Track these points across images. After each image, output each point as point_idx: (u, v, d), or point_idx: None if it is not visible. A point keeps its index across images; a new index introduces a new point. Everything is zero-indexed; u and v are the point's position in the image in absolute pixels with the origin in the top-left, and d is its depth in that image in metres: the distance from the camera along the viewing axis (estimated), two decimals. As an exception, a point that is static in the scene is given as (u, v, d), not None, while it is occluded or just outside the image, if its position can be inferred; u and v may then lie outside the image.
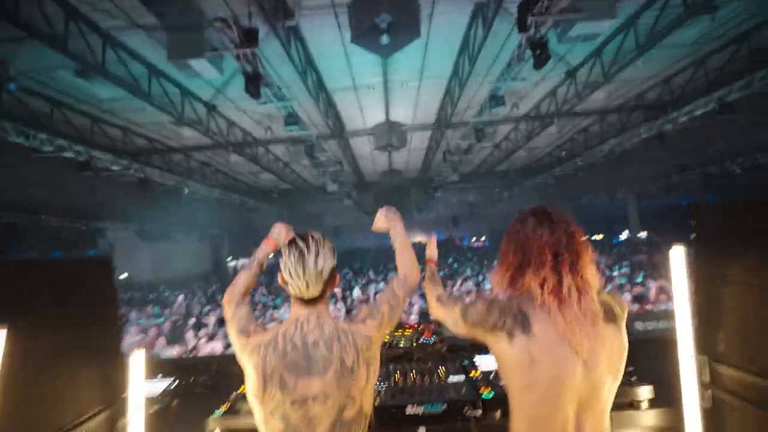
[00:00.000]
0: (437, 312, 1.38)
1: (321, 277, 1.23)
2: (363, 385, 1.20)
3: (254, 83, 5.54)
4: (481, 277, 11.75)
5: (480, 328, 1.18)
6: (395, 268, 1.50)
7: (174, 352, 5.51)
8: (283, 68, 7.18)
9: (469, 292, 8.47)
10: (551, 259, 1.10)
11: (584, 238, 1.16)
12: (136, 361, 1.68)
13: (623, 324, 1.15)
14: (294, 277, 1.22)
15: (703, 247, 1.75)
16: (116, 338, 1.79)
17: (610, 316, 1.12)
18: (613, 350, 1.10)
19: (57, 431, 1.42)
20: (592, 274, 1.13)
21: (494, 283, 1.24)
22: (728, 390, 1.60)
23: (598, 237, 24.86)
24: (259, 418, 1.20)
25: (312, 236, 1.29)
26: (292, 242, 1.27)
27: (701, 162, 12.18)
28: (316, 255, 1.23)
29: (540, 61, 5.21)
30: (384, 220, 1.62)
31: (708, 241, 1.74)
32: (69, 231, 12.70)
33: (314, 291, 1.23)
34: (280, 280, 1.28)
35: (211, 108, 9.09)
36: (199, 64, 6.42)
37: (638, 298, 6.06)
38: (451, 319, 1.29)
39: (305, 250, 1.23)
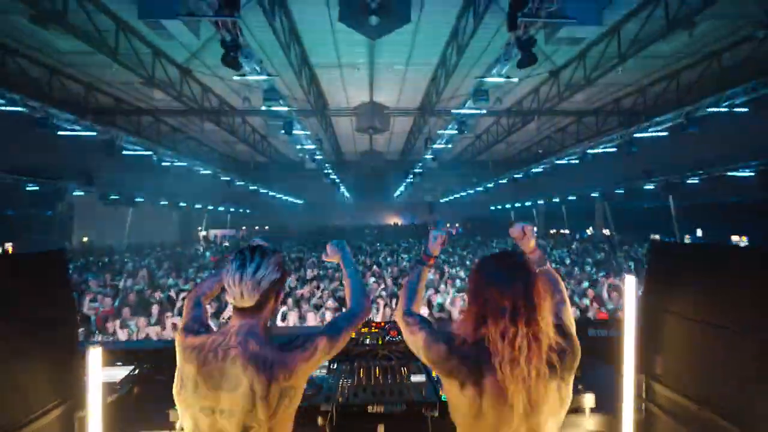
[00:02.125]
0: (401, 326, 1.39)
1: (258, 288, 1.21)
2: (272, 413, 1.17)
3: (233, 54, 5.24)
4: (449, 263, 12.01)
5: (436, 367, 1.22)
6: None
7: (141, 322, 5.39)
8: (265, 39, 6.86)
9: (433, 279, 8.67)
10: (510, 310, 1.12)
11: (543, 287, 1.18)
12: (94, 355, 1.63)
13: (571, 376, 1.19)
14: (231, 285, 1.21)
15: (654, 279, 1.90)
16: (72, 332, 1.72)
17: (559, 363, 1.15)
18: (553, 401, 1.15)
19: (14, 428, 1.39)
20: (547, 324, 1.15)
21: (460, 327, 1.23)
22: (661, 406, 1.80)
23: (565, 232, 25.96)
24: (178, 412, 1.24)
25: (261, 248, 1.27)
26: (237, 252, 1.26)
27: (665, 170, 12.82)
28: (257, 266, 1.22)
29: (526, 61, 5.23)
30: (332, 253, 1.64)
31: (660, 274, 1.89)
32: (23, 190, 11.89)
33: (249, 301, 1.21)
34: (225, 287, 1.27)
35: (185, 72, 8.60)
36: (174, 26, 6.03)
37: (595, 299, 6.43)
38: (411, 342, 1.31)
39: (247, 259, 1.22)
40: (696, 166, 11.44)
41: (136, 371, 2.08)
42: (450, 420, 1.80)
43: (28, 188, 11.96)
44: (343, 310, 1.58)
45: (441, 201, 30.53)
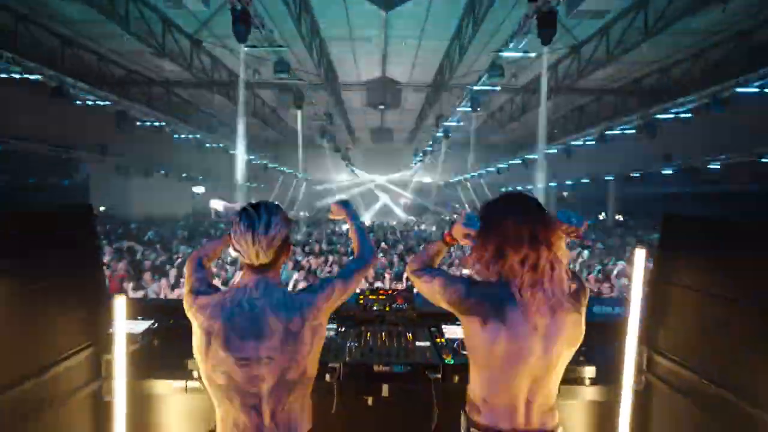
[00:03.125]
0: (415, 281, 1.44)
1: (272, 244, 1.23)
2: (308, 350, 1.25)
3: (243, 23, 5.15)
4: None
5: (456, 307, 1.24)
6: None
7: (163, 283, 5.62)
8: (276, 10, 6.70)
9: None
10: (529, 237, 1.15)
11: (553, 216, 1.22)
12: (119, 304, 1.76)
13: (584, 308, 1.22)
14: (244, 246, 1.21)
15: (664, 251, 1.90)
16: (100, 282, 1.87)
17: (574, 298, 1.19)
18: (570, 332, 1.18)
19: (45, 365, 1.54)
20: (563, 251, 1.19)
21: (472, 265, 1.26)
22: (661, 378, 1.83)
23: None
24: (202, 372, 1.25)
25: (264, 205, 1.28)
26: (242, 211, 1.26)
27: (686, 154, 12.42)
28: (267, 223, 1.22)
29: (546, 35, 5.02)
30: (338, 210, 1.71)
31: (671, 247, 1.88)
32: (43, 158, 12.14)
33: (264, 258, 1.23)
34: (231, 249, 1.29)
35: (195, 42, 8.50)
36: (184, -7, 5.91)
37: (605, 281, 6.42)
38: (427, 290, 1.34)
39: (255, 217, 1.22)
40: (718, 150, 11.05)
41: (156, 324, 2.19)
42: (452, 382, 1.85)
43: (46, 157, 12.19)
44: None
45: (451, 181, 30.24)
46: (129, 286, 5.47)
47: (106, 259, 7.52)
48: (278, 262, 1.29)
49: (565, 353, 1.19)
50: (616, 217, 21.09)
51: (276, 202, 1.33)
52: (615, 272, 6.83)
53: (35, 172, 13.37)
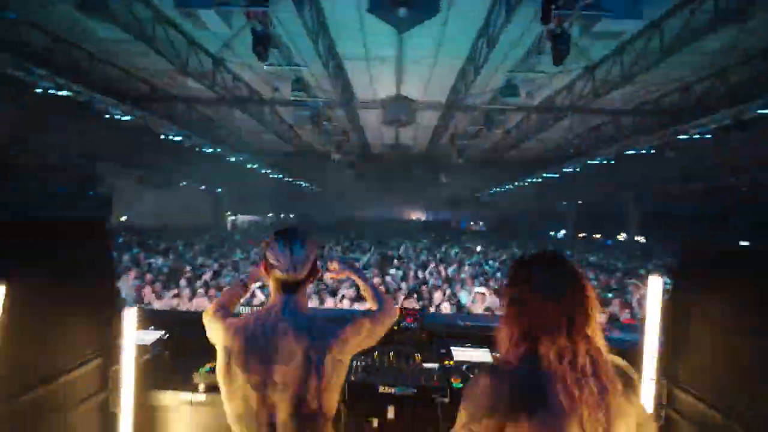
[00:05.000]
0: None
1: (308, 261, 1.29)
2: (325, 384, 1.19)
3: (263, 44, 5.36)
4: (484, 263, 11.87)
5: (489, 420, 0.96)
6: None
7: (171, 295, 5.72)
8: (294, 30, 6.93)
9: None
10: (566, 326, 0.94)
11: (594, 293, 0.99)
12: (129, 315, 1.80)
13: (639, 391, 1.02)
14: (281, 260, 1.27)
15: (683, 280, 1.82)
16: (111, 294, 1.89)
17: (628, 384, 0.97)
18: (631, 424, 0.95)
19: (55, 374, 1.56)
20: (600, 336, 0.98)
21: (502, 346, 1.04)
22: (682, 414, 1.72)
23: (597, 236, 24.92)
24: (223, 395, 1.24)
25: (296, 229, 1.36)
26: (280, 232, 1.34)
27: (706, 173, 12.07)
28: (302, 242, 1.30)
29: (559, 56, 5.04)
30: (339, 269, 1.59)
31: (689, 275, 1.79)
32: (69, 170, 12.69)
33: (301, 274, 1.28)
34: (263, 267, 1.32)
35: (218, 61, 8.85)
36: (208, 15, 6.18)
37: (623, 306, 6.17)
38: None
39: (291, 238, 1.30)
40: (739, 170, 10.69)
41: (167, 336, 2.22)
42: (459, 406, 1.79)
43: (74, 169, 12.74)
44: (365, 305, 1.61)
45: (465, 198, 30.09)
46: (151, 294, 5.58)
47: (133, 272, 7.71)
48: (309, 280, 1.33)
49: None
50: (636, 237, 20.49)
51: (305, 230, 1.40)
52: (636, 296, 6.57)
53: (63, 182, 13.95)
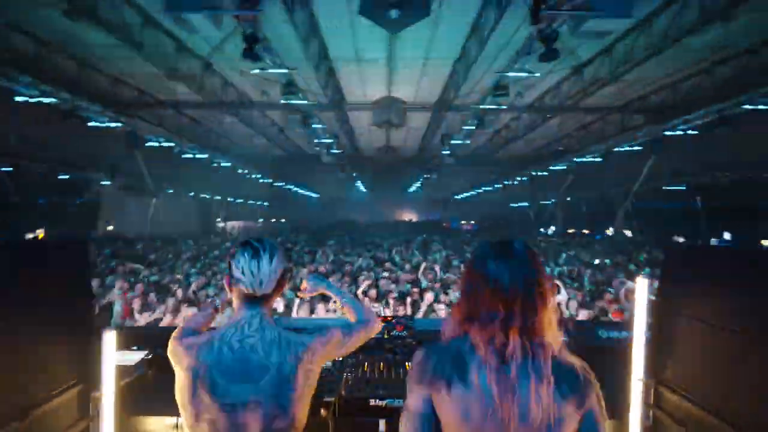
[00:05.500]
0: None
1: (275, 275, 1.24)
2: (298, 396, 1.17)
3: (253, 47, 5.30)
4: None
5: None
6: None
7: (161, 310, 5.57)
8: (285, 33, 6.88)
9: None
10: (502, 314, 0.94)
11: (548, 285, 0.98)
12: (109, 338, 1.71)
13: (590, 397, 0.95)
14: (246, 275, 1.22)
15: (668, 283, 1.85)
16: (89, 317, 1.80)
17: (572, 384, 0.93)
18: (569, 423, 0.92)
19: (30, 406, 1.45)
20: (552, 333, 0.96)
21: (446, 324, 1.07)
22: (669, 414, 1.74)
23: (585, 232, 25.32)
24: (187, 420, 1.16)
25: (267, 240, 1.30)
26: (245, 243, 1.27)
27: (694, 170, 12.33)
28: (271, 255, 1.25)
29: (548, 56, 5.09)
30: (312, 287, 1.57)
31: (674, 278, 1.83)
32: (55, 178, 12.41)
33: (267, 288, 1.23)
34: (226, 281, 1.27)
35: (206, 65, 8.74)
36: (197, 19, 6.11)
37: (612, 301, 6.24)
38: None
39: (260, 250, 1.24)
40: (727, 166, 10.95)
41: (150, 356, 2.14)
42: None
43: (59, 178, 12.46)
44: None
45: (457, 198, 30.25)
46: (137, 307, 5.43)
47: (121, 282, 7.50)
48: (277, 293, 1.28)
49: None
50: (625, 232, 20.83)
51: (275, 241, 1.33)
52: (623, 291, 6.64)
53: (47, 191, 13.64)
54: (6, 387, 1.37)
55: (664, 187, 14.14)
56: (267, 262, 1.24)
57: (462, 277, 1.07)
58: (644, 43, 6.54)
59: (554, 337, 0.96)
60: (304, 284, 1.57)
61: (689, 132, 9.33)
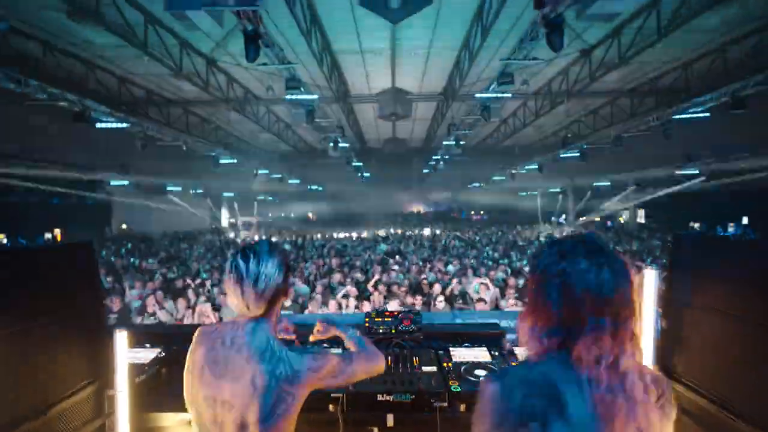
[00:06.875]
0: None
1: (262, 298, 1.14)
2: (263, 416, 1.07)
3: (254, 43, 5.28)
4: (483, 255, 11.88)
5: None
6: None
7: (180, 304, 5.71)
8: (286, 27, 6.85)
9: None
10: (611, 323, 0.80)
11: (636, 282, 0.85)
12: (121, 337, 1.76)
13: (672, 405, 0.87)
14: (233, 298, 1.15)
15: (677, 272, 1.81)
16: (100, 317, 1.84)
17: (663, 396, 0.84)
18: None
19: (46, 406, 1.49)
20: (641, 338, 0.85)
21: (522, 338, 0.91)
22: (680, 406, 1.69)
23: (596, 219, 24.97)
24: (186, 402, 1.21)
25: (257, 252, 1.16)
26: (235, 256, 1.17)
27: (708, 154, 12.01)
28: (256, 277, 1.13)
29: (554, 42, 4.96)
30: (325, 329, 1.56)
31: (683, 267, 1.79)
32: (68, 179, 12.68)
33: (255, 311, 1.16)
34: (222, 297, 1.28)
35: (210, 62, 8.76)
36: (198, 16, 6.11)
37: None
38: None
39: (244, 270, 1.13)
40: (743, 149, 10.64)
41: (163, 354, 2.19)
42: (459, 411, 1.78)
43: (71, 178, 12.73)
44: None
45: (465, 188, 30.01)
46: (155, 305, 5.55)
47: (136, 281, 7.66)
48: (272, 311, 1.21)
49: None
50: (638, 219, 20.47)
51: (273, 246, 1.21)
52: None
53: (60, 192, 13.95)
54: (23, 388, 1.43)
55: (676, 172, 13.81)
56: (251, 285, 1.13)
57: (538, 281, 0.89)
58: (654, 24, 6.34)
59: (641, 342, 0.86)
60: (318, 326, 1.57)
61: (701, 115, 9.06)
